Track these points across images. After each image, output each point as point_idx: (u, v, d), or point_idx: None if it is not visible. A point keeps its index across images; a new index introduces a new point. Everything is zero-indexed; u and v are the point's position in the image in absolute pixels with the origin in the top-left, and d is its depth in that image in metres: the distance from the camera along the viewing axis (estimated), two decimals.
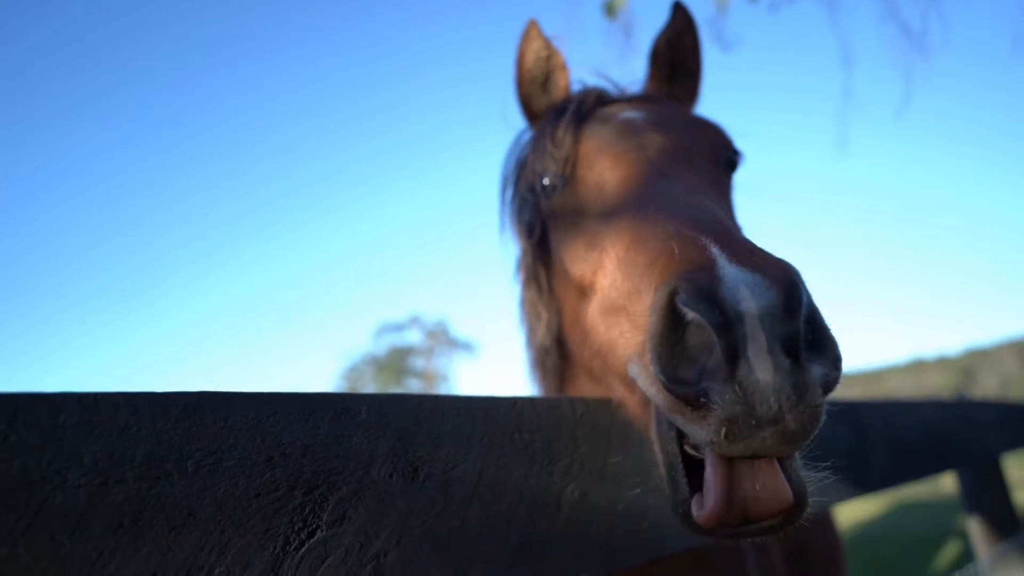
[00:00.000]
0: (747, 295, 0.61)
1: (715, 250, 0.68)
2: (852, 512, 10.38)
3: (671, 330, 0.65)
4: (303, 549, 0.57)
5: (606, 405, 0.88)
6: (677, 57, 1.44)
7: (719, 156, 1.17)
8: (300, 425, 0.58)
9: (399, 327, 47.81)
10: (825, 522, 2.15)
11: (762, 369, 0.59)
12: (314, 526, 0.57)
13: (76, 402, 0.48)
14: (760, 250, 0.69)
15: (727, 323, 0.60)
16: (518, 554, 0.72)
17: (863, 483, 1.36)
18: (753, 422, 0.59)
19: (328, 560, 0.58)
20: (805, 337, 0.62)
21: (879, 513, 10.59)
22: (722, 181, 1.15)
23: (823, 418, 0.61)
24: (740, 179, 1.26)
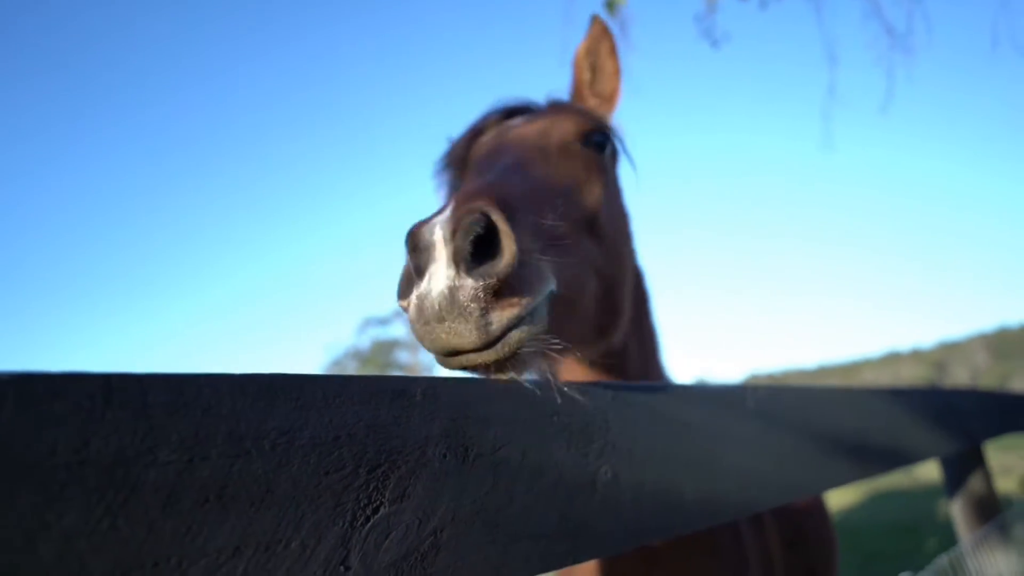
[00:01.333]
0: (435, 228, 0.81)
1: (450, 202, 0.87)
2: (831, 500, 10.60)
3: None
4: (368, 525, 0.59)
5: (635, 390, 0.92)
6: (597, 62, 1.63)
7: (583, 139, 1.32)
8: (363, 406, 0.61)
9: (384, 321, 47.59)
10: (819, 509, 2.23)
11: (431, 282, 0.79)
12: (377, 503, 0.60)
13: (163, 382, 0.49)
14: (475, 193, 0.88)
15: (414, 248, 0.82)
16: (559, 531, 0.75)
17: (864, 467, 1.42)
18: (425, 322, 0.81)
19: (391, 535, 0.60)
20: (474, 253, 0.81)
21: (858, 501, 10.83)
22: (582, 157, 1.31)
23: (477, 314, 0.80)
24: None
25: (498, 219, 0.81)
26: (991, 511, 2.72)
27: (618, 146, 1.45)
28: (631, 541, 0.85)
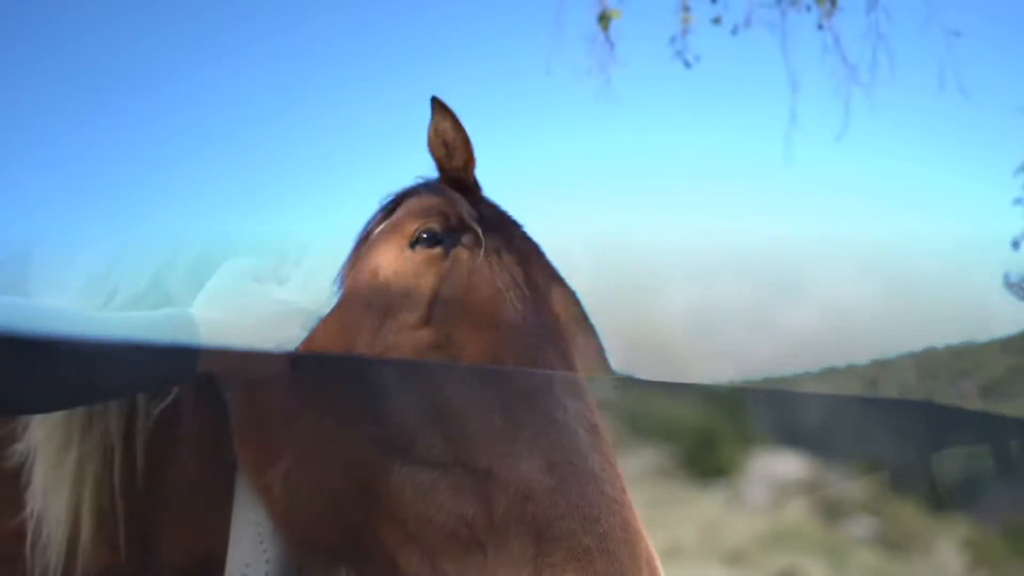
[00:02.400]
0: None
1: None
2: None
3: None
4: None
5: (651, 385, 0.93)
6: (446, 139, 1.71)
7: (412, 243, 1.44)
8: None
9: None
10: None
11: None
12: None
13: None
14: None
15: None
16: None
17: (841, 472, 1.47)
18: None
19: None
20: None
21: None
22: (412, 262, 1.43)
23: None
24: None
25: None
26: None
27: (465, 220, 1.57)
28: None
